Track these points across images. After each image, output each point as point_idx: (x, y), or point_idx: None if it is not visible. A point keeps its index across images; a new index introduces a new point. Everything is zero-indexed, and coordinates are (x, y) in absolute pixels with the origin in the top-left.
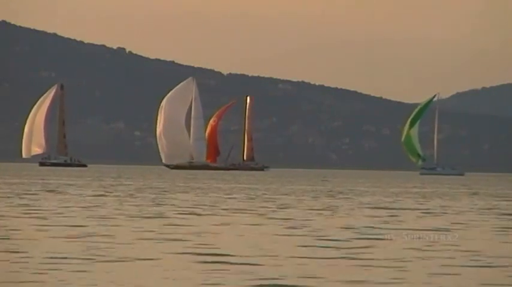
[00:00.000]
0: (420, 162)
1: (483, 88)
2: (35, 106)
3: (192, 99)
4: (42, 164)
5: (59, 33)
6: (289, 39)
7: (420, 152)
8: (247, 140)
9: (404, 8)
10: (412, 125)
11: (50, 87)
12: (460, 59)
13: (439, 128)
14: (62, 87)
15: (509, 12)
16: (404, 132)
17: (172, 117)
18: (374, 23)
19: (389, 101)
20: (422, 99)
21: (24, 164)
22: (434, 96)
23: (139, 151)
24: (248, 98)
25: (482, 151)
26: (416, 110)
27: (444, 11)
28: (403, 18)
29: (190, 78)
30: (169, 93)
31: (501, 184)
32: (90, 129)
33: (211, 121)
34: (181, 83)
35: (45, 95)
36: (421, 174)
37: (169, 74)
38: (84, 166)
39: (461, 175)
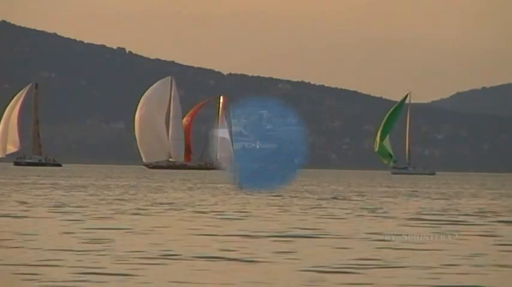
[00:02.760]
0: (392, 163)
1: (483, 88)
2: (9, 105)
3: (170, 99)
4: (17, 163)
5: (59, 33)
6: (290, 39)
7: (392, 153)
8: None
9: (405, 8)
10: (384, 134)
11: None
12: (460, 59)
13: (439, 128)
14: (36, 86)
15: (510, 12)
16: (378, 140)
17: (148, 116)
18: (374, 23)
19: (389, 101)
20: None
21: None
22: (406, 97)
23: (139, 151)
24: (221, 97)
25: (482, 151)
26: (389, 113)
27: (444, 11)
28: (403, 18)
29: (168, 78)
30: (146, 92)
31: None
32: (90, 129)
33: (184, 120)
34: (158, 82)
35: (19, 94)
36: (393, 173)
37: (169, 74)
38: (59, 165)
39: (432, 174)
